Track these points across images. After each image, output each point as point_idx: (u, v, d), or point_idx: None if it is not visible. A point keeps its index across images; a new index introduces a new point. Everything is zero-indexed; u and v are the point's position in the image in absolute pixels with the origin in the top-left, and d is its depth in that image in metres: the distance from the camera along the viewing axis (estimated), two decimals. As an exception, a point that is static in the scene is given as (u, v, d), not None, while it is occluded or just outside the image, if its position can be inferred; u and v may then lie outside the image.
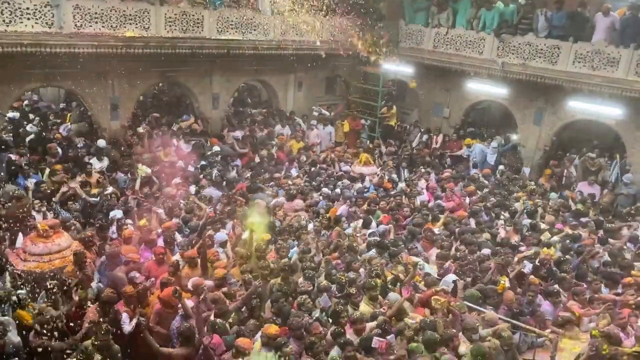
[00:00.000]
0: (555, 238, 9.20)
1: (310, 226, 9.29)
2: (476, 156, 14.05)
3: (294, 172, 12.47)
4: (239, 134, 13.82)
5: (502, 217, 10.13)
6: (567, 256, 8.43)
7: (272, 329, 5.72)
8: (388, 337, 5.79)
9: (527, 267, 7.96)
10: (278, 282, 7.05)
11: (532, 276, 7.67)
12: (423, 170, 12.77)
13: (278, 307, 6.41)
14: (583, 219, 10.12)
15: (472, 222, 9.81)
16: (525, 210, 10.19)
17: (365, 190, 11.42)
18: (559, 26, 12.28)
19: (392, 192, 11.30)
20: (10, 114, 12.80)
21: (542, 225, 9.75)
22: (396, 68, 15.63)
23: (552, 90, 12.79)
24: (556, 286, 7.51)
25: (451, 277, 7.47)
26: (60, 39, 10.57)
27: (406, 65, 15.49)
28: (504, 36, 13.08)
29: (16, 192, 8.28)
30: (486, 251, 8.38)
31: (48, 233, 7.36)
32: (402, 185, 11.92)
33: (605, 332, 6.31)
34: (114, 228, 8.53)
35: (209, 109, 14.40)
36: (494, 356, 5.76)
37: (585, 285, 7.72)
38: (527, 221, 9.82)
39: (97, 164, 10.89)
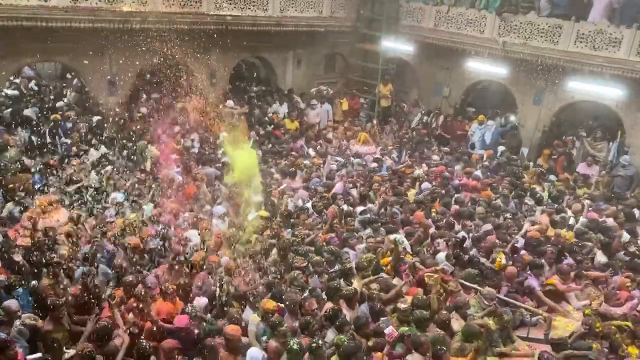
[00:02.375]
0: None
1: (309, 205, 9.34)
2: (477, 136, 14.00)
3: (311, 152, 12.37)
4: (231, 102, 13.78)
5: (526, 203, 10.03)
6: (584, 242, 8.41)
7: (270, 304, 5.77)
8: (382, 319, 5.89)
9: (520, 242, 8.03)
10: (277, 260, 7.11)
11: (523, 251, 7.78)
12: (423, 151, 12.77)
13: (269, 282, 6.48)
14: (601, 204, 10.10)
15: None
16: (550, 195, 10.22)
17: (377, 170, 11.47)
18: (561, 5, 12.15)
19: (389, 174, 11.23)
20: (10, 92, 12.72)
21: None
22: (396, 46, 15.48)
23: (552, 70, 12.69)
24: (542, 260, 7.60)
25: (441, 255, 7.54)
26: (56, 13, 10.45)
27: (406, 43, 15.34)
28: (505, 15, 12.93)
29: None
30: (488, 226, 8.45)
31: (47, 209, 7.39)
32: (388, 164, 11.89)
33: (597, 311, 6.43)
34: (112, 211, 8.35)
35: (206, 85, 14.28)
36: (485, 335, 5.85)
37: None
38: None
39: (95, 154, 10.63)
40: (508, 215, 9.20)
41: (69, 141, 10.85)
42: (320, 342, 5.20)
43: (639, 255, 8.02)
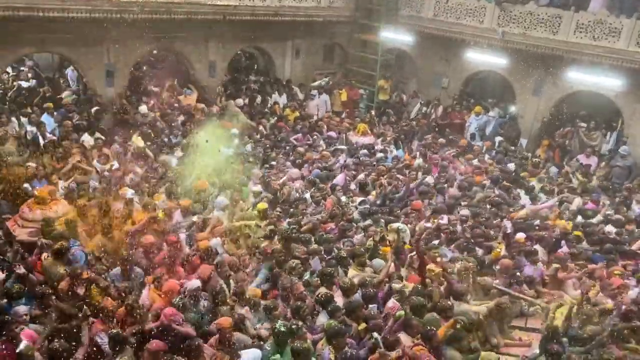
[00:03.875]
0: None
1: (308, 195, 9.35)
2: (474, 127, 14.00)
3: (322, 144, 12.23)
4: (240, 101, 13.71)
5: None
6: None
7: (254, 291, 5.99)
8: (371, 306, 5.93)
9: (508, 227, 8.06)
10: (278, 248, 7.13)
11: (518, 235, 7.80)
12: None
13: (269, 267, 6.52)
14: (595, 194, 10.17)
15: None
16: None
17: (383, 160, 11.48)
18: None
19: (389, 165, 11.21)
20: (25, 84, 12.70)
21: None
22: (395, 36, 15.41)
23: (552, 60, 12.66)
24: (537, 246, 7.64)
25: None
26: (53, 3, 10.38)
27: (405, 33, 15.27)
28: (505, 5, 12.87)
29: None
30: (465, 212, 8.51)
31: (45, 200, 7.38)
32: (394, 154, 11.90)
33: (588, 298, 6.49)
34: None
35: (205, 77, 14.23)
36: (482, 323, 5.88)
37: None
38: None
39: (89, 139, 10.55)
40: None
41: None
42: (300, 323, 5.29)
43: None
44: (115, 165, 9.49)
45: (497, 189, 9.98)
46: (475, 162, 11.41)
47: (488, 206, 9.22)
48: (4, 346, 4.74)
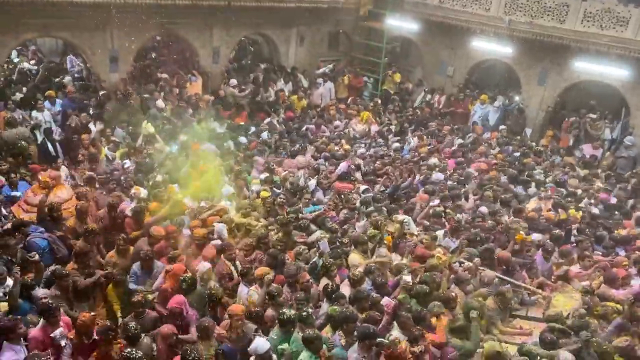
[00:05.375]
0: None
1: (312, 183, 9.35)
2: (477, 116, 13.92)
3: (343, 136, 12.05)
4: (234, 81, 13.69)
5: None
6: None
7: (262, 270, 6.01)
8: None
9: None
10: (279, 236, 7.15)
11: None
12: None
13: (273, 254, 6.54)
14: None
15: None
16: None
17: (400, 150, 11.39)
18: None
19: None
20: (27, 65, 12.66)
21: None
22: (401, 24, 15.30)
23: (558, 49, 12.56)
24: (552, 244, 7.62)
25: (440, 233, 7.59)
26: (57, -13, 10.34)
27: (411, 21, 15.15)
28: (512, -8, 12.76)
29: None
30: (483, 209, 8.46)
31: (49, 185, 7.41)
32: (410, 145, 11.78)
33: (595, 291, 6.48)
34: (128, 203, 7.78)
35: (209, 63, 14.19)
36: (484, 311, 5.91)
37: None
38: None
39: (93, 128, 10.49)
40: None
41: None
42: (310, 311, 5.32)
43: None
44: (127, 163, 9.36)
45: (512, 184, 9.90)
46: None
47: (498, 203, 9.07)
48: (47, 329, 4.85)
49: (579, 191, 9.85)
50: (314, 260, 6.58)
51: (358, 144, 11.65)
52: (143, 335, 5.02)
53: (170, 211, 7.33)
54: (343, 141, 11.62)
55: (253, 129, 12.17)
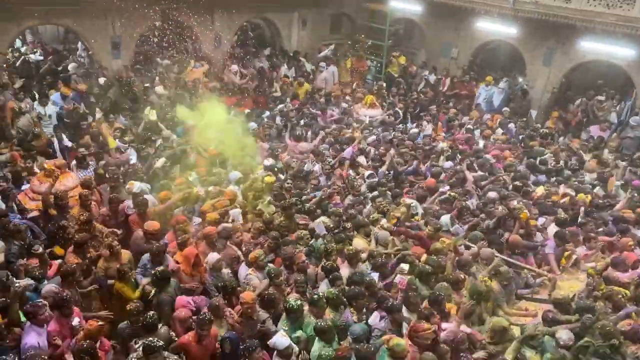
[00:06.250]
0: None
1: (317, 168, 9.35)
2: (482, 97, 13.82)
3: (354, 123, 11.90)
4: (235, 67, 13.59)
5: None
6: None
7: (255, 253, 6.09)
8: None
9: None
10: (282, 220, 7.18)
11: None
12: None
13: (274, 237, 6.61)
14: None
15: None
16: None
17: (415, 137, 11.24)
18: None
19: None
20: (33, 57, 12.60)
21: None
22: (404, 5, 15.12)
23: (564, 29, 12.39)
24: (553, 225, 7.58)
25: (446, 218, 7.58)
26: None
27: (414, 2, 14.97)
28: (517, -29, 12.55)
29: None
30: (493, 194, 8.42)
31: (55, 173, 7.44)
32: (416, 130, 11.69)
33: (601, 273, 6.48)
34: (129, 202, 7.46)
35: (211, 49, 14.11)
36: (491, 294, 5.94)
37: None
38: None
39: (99, 115, 10.51)
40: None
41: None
42: (320, 294, 5.40)
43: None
44: (133, 160, 9.21)
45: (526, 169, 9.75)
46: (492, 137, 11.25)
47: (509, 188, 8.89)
48: (62, 321, 4.97)
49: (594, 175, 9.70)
50: (310, 243, 6.65)
51: (368, 131, 11.35)
52: (160, 325, 5.07)
53: (184, 200, 7.40)
54: (355, 125, 11.54)
55: (267, 113, 12.11)
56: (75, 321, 4.98)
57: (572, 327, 5.34)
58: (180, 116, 10.32)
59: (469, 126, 11.73)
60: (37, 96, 10.77)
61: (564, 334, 5.15)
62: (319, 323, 4.91)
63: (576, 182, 9.10)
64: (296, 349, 4.91)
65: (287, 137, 10.54)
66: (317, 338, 4.90)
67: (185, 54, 14.06)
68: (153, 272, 5.68)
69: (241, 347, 4.84)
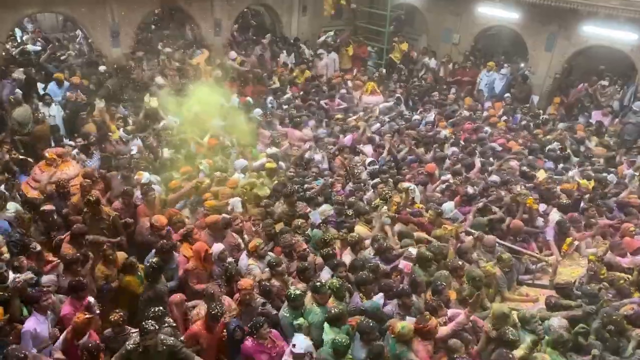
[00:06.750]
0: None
1: (318, 156, 9.34)
2: (484, 83, 13.75)
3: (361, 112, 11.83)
4: (234, 54, 13.52)
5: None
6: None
7: (254, 242, 6.11)
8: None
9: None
10: (284, 208, 7.19)
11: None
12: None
13: (267, 225, 6.63)
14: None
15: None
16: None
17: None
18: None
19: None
20: (31, 47, 12.50)
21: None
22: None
23: (566, 14, 12.27)
24: (554, 211, 7.58)
25: (450, 205, 7.59)
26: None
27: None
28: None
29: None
30: (494, 177, 8.42)
31: (56, 161, 7.45)
32: (418, 117, 11.62)
33: (603, 259, 6.49)
34: (138, 193, 7.41)
35: (211, 36, 14.01)
36: (490, 278, 5.97)
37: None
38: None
39: (101, 104, 10.31)
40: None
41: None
42: (322, 281, 5.43)
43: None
44: (134, 150, 9.12)
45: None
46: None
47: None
48: (75, 304, 5.08)
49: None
50: (307, 232, 6.64)
51: (374, 119, 11.27)
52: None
53: (195, 189, 7.43)
54: (361, 114, 11.47)
55: (270, 98, 12.01)
56: (91, 299, 5.05)
57: (574, 313, 5.37)
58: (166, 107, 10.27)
59: (465, 114, 11.71)
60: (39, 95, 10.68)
61: (555, 321, 5.19)
62: (332, 310, 4.95)
63: (589, 169, 9.07)
64: (314, 353, 4.84)
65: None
66: (328, 325, 4.93)
67: (186, 42, 13.99)
68: (148, 263, 5.63)
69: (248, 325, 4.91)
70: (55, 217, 6.67)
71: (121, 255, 6.10)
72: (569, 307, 5.52)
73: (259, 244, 6.13)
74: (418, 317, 4.96)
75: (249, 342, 4.87)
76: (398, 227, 6.96)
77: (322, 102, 12.04)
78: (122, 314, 4.87)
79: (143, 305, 5.38)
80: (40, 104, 10.03)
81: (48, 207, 6.59)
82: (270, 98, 12.03)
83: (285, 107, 11.62)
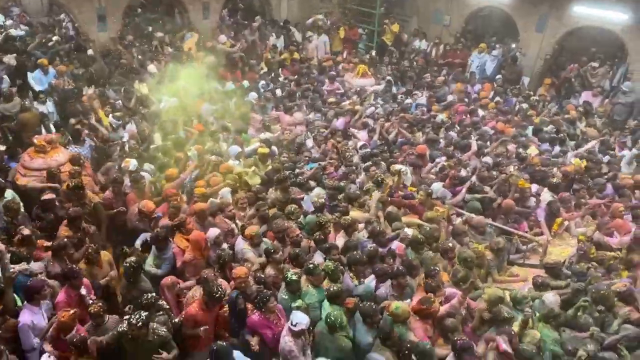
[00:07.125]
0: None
1: (309, 142, 9.31)
2: (475, 65, 13.72)
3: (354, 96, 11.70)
4: (224, 37, 13.35)
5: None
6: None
7: (251, 229, 6.09)
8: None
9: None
10: (277, 193, 7.18)
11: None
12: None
13: (261, 205, 6.65)
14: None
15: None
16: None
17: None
18: None
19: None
20: (14, 32, 12.21)
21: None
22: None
23: (557, -6, 12.26)
24: (546, 190, 7.65)
25: (437, 185, 7.64)
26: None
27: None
28: None
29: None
30: (487, 159, 8.47)
31: (45, 148, 7.37)
32: (409, 100, 11.56)
33: (592, 239, 6.58)
34: (127, 180, 7.30)
35: (199, 19, 13.82)
36: (481, 259, 6.02)
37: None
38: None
39: (90, 90, 10.21)
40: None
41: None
42: (315, 262, 5.48)
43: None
44: (126, 137, 8.99)
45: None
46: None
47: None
48: (70, 292, 5.10)
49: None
50: (299, 219, 6.65)
51: (368, 102, 11.23)
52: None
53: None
54: (354, 98, 11.38)
55: (262, 82, 11.94)
56: (84, 291, 5.07)
57: (564, 291, 5.46)
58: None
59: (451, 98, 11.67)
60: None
61: (550, 296, 5.30)
62: (331, 289, 5.04)
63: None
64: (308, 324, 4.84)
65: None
66: (328, 302, 5.02)
67: (176, 26, 13.80)
68: (127, 264, 5.39)
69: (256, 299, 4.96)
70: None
71: (105, 255, 6.03)
72: (558, 287, 5.60)
73: (256, 233, 6.08)
74: (421, 298, 5.01)
75: (255, 316, 4.94)
76: (389, 209, 6.99)
77: (324, 87, 11.94)
78: (100, 304, 4.82)
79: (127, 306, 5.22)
80: (35, 102, 9.79)
81: (48, 196, 6.51)
82: (262, 82, 11.93)
83: (278, 91, 11.51)
